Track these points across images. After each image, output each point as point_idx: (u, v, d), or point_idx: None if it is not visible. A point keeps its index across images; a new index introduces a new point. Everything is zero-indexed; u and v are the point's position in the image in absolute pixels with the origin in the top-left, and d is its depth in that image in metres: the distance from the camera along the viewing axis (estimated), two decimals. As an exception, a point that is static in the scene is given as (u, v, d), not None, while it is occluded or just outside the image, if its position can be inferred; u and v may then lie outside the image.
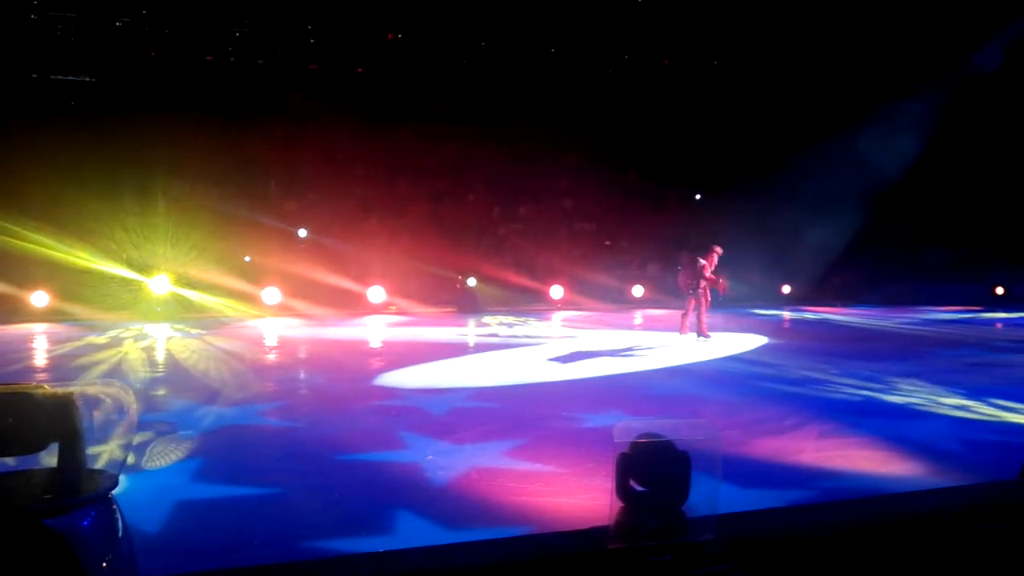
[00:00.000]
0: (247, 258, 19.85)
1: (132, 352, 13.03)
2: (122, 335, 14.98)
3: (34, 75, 21.05)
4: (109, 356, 12.48)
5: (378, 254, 20.18)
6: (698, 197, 26.36)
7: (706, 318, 14.16)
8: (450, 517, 5.47)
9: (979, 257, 24.15)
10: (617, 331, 16.79)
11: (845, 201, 21.53)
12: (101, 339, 14.34)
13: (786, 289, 23.01)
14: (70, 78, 21.32)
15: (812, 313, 20.55)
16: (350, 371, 11.59)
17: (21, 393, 2.74)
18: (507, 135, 23.82)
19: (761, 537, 3.80)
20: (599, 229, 24.65)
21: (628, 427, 3.56)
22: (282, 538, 5.10)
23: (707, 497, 3.55)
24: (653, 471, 3.48)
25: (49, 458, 2.75)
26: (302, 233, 21.13)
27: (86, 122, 19.91)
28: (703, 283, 13.83)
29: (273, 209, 21.73)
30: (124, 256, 18.59)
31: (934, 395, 9.80)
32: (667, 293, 21.73)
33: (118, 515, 2.93)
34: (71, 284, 17.36)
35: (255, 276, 19.05)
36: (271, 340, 15.27)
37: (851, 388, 10.39)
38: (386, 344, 15.13)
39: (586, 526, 3.60)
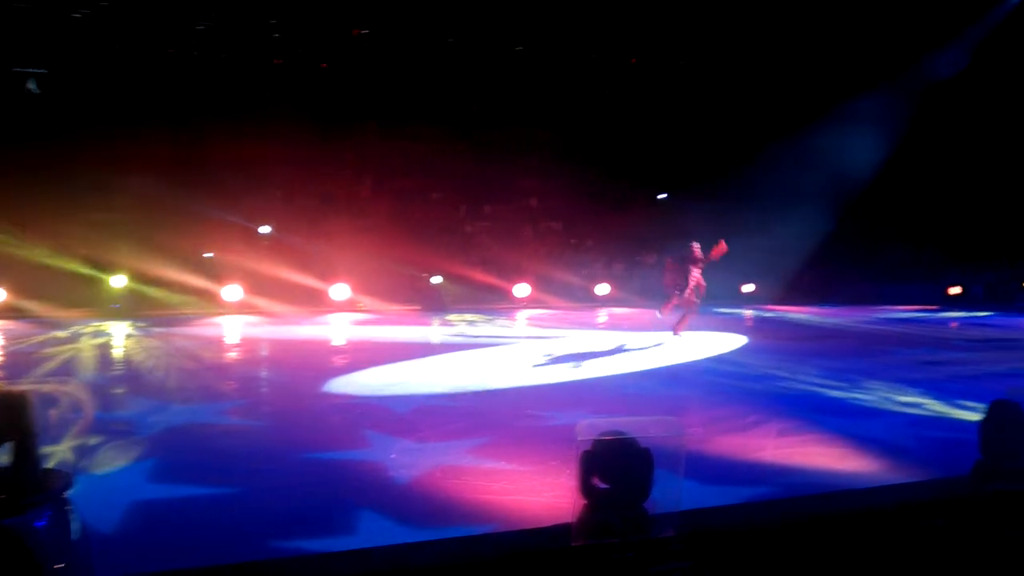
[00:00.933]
0: (208, 254, 19.59)
1: (89, 350, 12.78)
2: (79, 332, 14.68)
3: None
4: (65, 353, 12.23)
5: (342, 251, 20.03)
6: (663, 196, 26.55)
7: (688, 320, 14.25)
8: (414, 516, 5.45)
9: (934, 257, 24.65)
10: (585, 330, 16.86)
11: (807, 201, 21.82)
12: (58, 336, 14.05)
13: (748, 288, 23.27)
14: (28, 71, 20.83)
15: (772, 312, 20.82)
16: (312, 369, 11.49)
17: (-27, 391, 2.68)
18: (473, 132, 23.77)
19: (721, 533, 3.85)
20: (565, 228, 24.73)
21: (591, 425, 3.59)
22: (243, 538, 5.05)
23: (669, 494, 3.59)
24: (616, 468, 3.51)
25: (2, 457, 2.69)
26: (264, 230, 20.87)
27: (43, 116, 19.49)
28: (690, 284, 13.79)
29: (235, 205, 21.45)
30: (82, 252, 18.24)
31: (890, 393, 9.99)
32: (632, 292, 21.90)
33: (73, 515, 2.88)
34: (28, 280, 16.99)
35: (216, 273, 18.81)
36: (232, 338, 15.09)
37: (810, 385, 10.55)
38: (349, 342, 15.03)
39: (550, 524, 3.62)
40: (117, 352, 12.91)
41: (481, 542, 3.88)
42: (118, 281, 17.75)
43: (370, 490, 5.95)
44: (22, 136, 18.17)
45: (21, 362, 11.44)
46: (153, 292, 17.93)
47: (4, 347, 13.35)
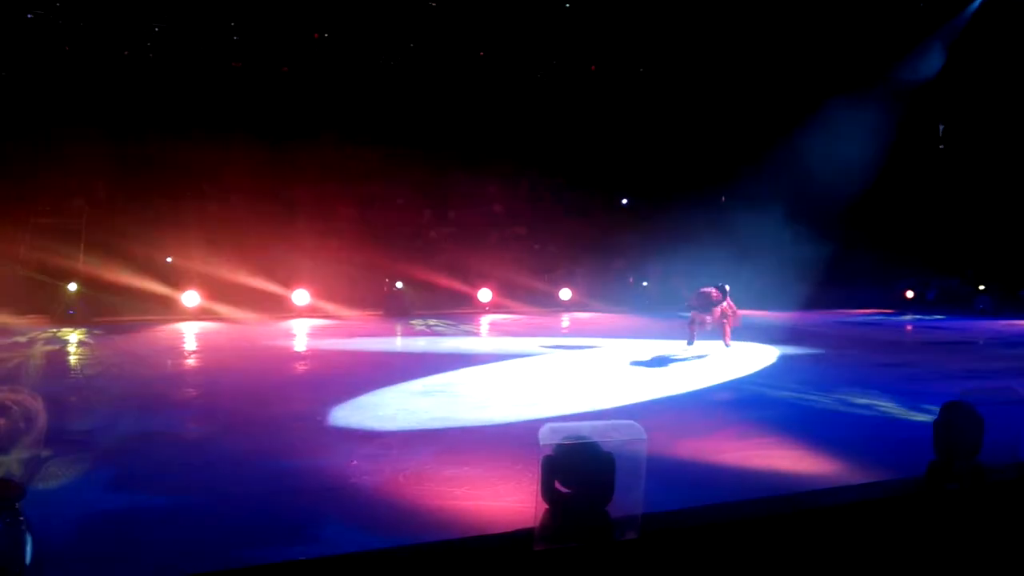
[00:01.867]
0: (168, 259, 19.28)
1: (42, 357, 12.50)
2: (32, 339, 14.36)
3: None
4: (18, 361, 11.94)
5: (304, 257, 19.84)
6: (624, 202, 26.76)
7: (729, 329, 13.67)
8: (376, 523, 5.41)
9: (889, 261, 25.12)
10: (538, 337, 16.89)
11: (768, 208, 22.12)
12: (10, 343, 13.71)
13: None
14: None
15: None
16: (271, 377, 11.37)
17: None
18: (436, 138, 23.74)
19: (683, 535, 3.88)
20: (528, 233, 24.78)
21: (554, 429, 3.59)
22: (201, 548, 4.97)
23: (631, 497, 3.61)
24: (578, 473, 3.52)
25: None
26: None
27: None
28: (713, 315, 13.32)
29: (195, 211, 21.16)
30: (36, 258, 17.86)
31: (848, 396, 10.16)
32: (593, 297, 22.03)
33: (24, 527, 2.81)
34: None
35: (176, 279, 18.51)
36: (190, 344, 14.86)
37: (769, 389, 10.69)
38: (310, 349, 14.89)
39: (512, 529, 3.61)
40: (71, 359, 12.65)
41: (443, 548, 3.86)
42: (74, 287, 17.40)
43: (331, 497, 5.89)
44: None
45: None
46: (111, 298, 17.57)
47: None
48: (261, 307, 18.54)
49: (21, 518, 2.79)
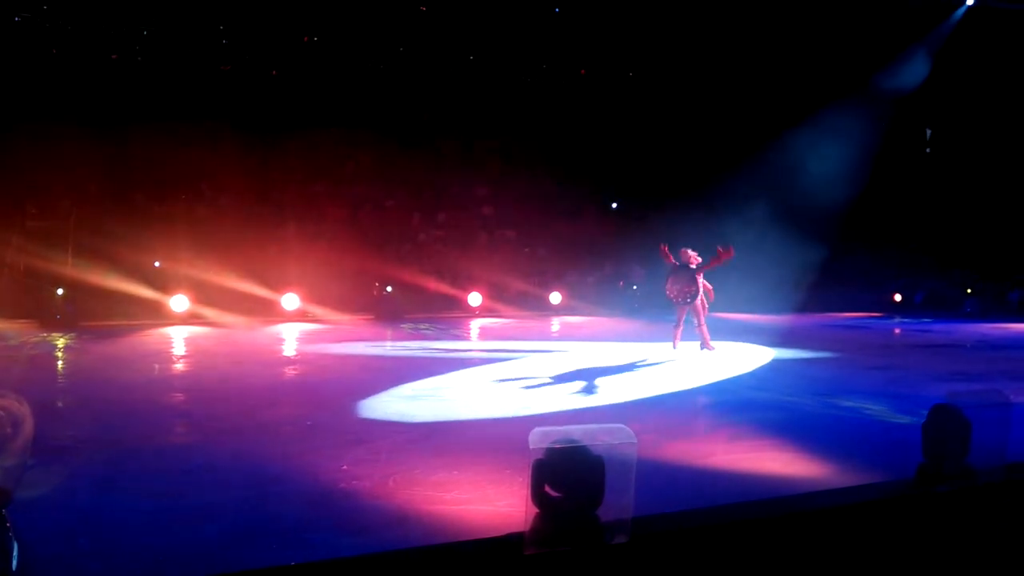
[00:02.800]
0: (156, 263, 19.19)
1: (29, 362, 12.42)
2: (19, 343, 14.26)
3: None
4: (4, 366, 11.86)
5: (293, 261, 19.79)
6: (614, 205, 26.80)
7: (706, 328, 13.57)
8: (366, 527, 5.39)
9: (877, 265, 25.25)
10: (548, 341, 16.89)
11: (757, 211, 22.21)
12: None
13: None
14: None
15: (720, 319, 21.13)
16: (260, 381, 11.32)
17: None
18: (426, 141, 23.74)
19: (674, 539, 3.88)
20: (518, 237, 24.80)
21: (543, 433, 3.58)
22: (188, 553, 4.95)
23: (621, 501, 3.60)
24: (568, 477, 3.51)
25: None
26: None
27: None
28: (699, 292, 13.14)
29: (184, 215, 21.09)
30: (23, 262, 17.75)
31: (836, 398, 10.20)
32: (583, 300, 22.05)
33: (10, 533, 2.79)
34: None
35: (164, 283, 18.43)
36: (178, 349, 14.79)
37: (758, 392, 10.72)
38: (299, 353, 14.84)
39: (502, 533, 3.60)
40: (58, 364, 12.56)
41: (433, 552, 3.85)
42: (62, 291, 17.29)
43: (320, 502, 5.87)
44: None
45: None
46: (97, 302, 17.46)
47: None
48: (250, 311, 18.47)
49: (7, 524, 2.77)
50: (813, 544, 3.95)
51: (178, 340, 15.63)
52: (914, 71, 24.05)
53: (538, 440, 3.51)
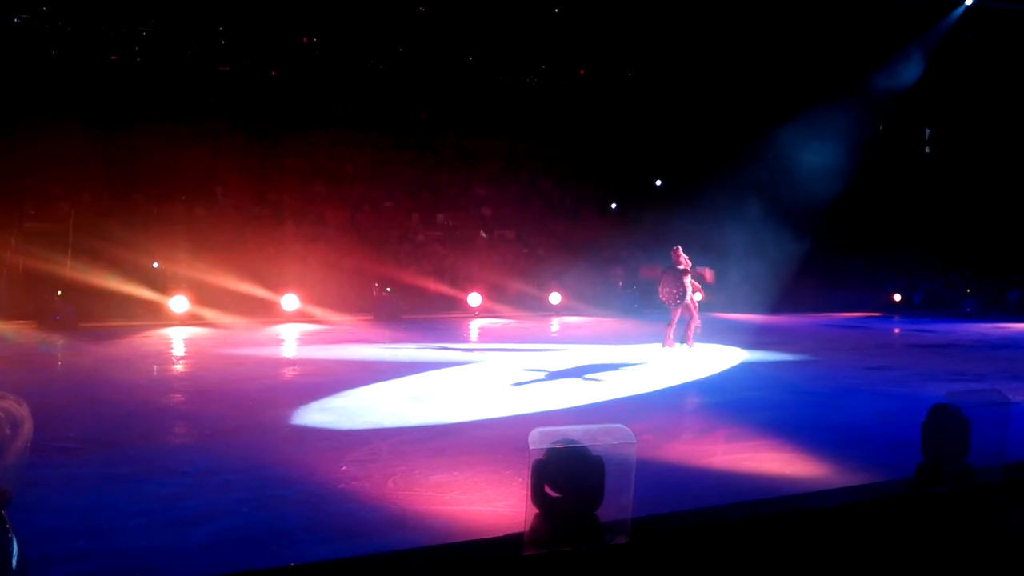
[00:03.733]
0: (155, 264, 19.17)
1: (27, 363, 12.41)
2: (18, 344, 14.25)
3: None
4: (2, 367, 11.85)
5: (293, 261, 19.77)
6: (614, 206, 26.81)
7: (694, 328, 13.82)
8: (366, 528, 5.39)
9: (876, 264, 25.27)
10: (544, 343, 16.88)
11: (755, 210, 22.23)
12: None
13: (697, 297, 23.59)
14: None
15: (720, 319, 21.15)
16: (260, 381, 11.31)
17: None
18: (425, 142, 23.76)
19: (673, 539, 3.88)
20: (517, 237, 24.80)
21: (543, 433, 3.59)
22: (186, 554, 4.95)
23: (621, 501, 3.61)
24: (568, 477, 3.52)
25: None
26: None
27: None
28: (688, 291, 13.45)
29: (183, 216, 21.08)
30: (23, 264, 17.73)
31: (836, 399, 10.20)
32: (582, 300, 22.04)
33: (10, 535, 2.79)
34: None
35: (163, 284, 18.41)
36: (177, 350, 14.78)
37: (757, 392, 10.72)
38: (298, 354, 14.83)
39: (502, 534, 3.61)
40: (57, 365, 12.55)
41: (433, 553, 3.85)
42: (61, 292, 17.28)
43: (320, 503, 5.87)
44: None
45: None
46: (96, 303, 17.43)
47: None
48: (249, 312, 18.45)
49: (6, 525, 2.77)
50: (812, 544, 3.95)
51: (177, 341, 15.62)
52: (910, 70, 24.08)
53: (538, 441, 3.52)
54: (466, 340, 17.11)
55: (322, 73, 22.95)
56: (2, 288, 17.05)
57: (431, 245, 23.47)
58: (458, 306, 21.23)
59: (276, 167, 22.64)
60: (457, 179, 24.61)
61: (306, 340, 16.31)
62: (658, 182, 26.28)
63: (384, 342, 16.19)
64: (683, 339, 13.90)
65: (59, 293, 17.28)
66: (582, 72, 25.49)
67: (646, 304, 21.53)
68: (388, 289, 20.33)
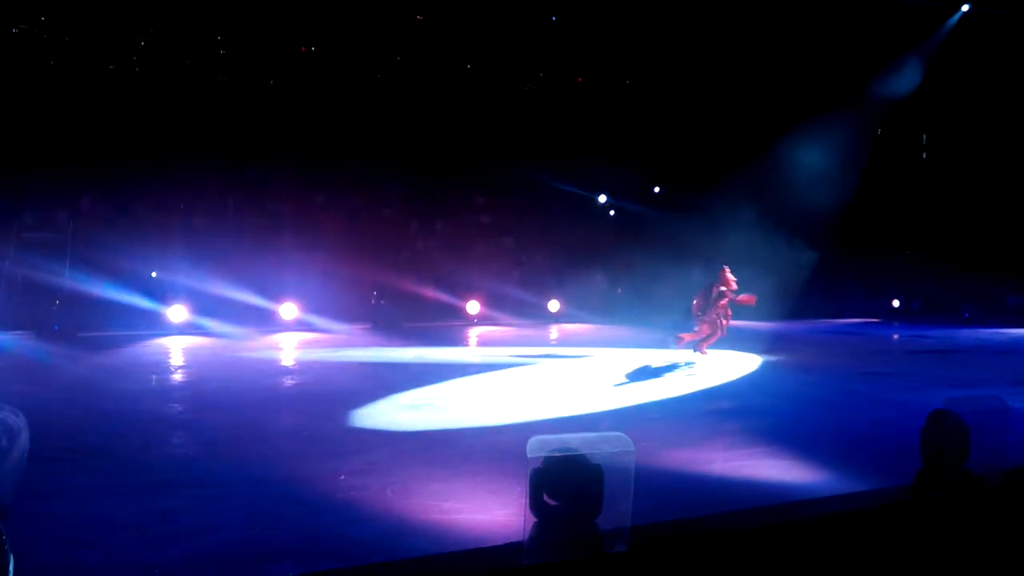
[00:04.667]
0: (153, 274, 19.16)
1: (25, 372, 12.39)
2: (16, 354, 14.23)
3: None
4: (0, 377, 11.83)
5: (291, 270, 19.75)
6: (612, 213, 26.83)
7: (712, 341, 13.86)
8: (363, 537, 5.37)
9: (876, 271, 25.29)
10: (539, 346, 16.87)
11: (753, 217, 22.23)
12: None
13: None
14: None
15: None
16: (257, 391, 11.29)
17: None
18: (423, 150, 23.75)
19: (673, 547, 3.87)
20: (516, 245, 24.79)
21: (541, 441, 3.57)
22: (184, 565, 4.92)
23: (620, 509, 3.59)
24: (566, 485, 3.50)
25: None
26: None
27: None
28: (717, 308, 13.56)
29: (181, 225, 21.07)
30: (21, 273, 17.71)
31: (836, 403, 10.19)
32: (581, 308, 22.04)
33: (6, 547, 2.77)
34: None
35: (161, 293, 18.39)
36: (176, 359, 14.76)
37: (756, 397, 10.71)
38: (297, 362, 14.81)
39: (500, 543, 3.59)
40: (54, 373, 12.52)
41: (431, 563, 3.83)
42: (60, 300, 17.25)
43: (318, 512, 5.85)
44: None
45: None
46: (95, 312, 17.40)
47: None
48: (248, 321, 18.43)
49: (3, 537, 2.75)
50: (812, 551, 3.94)
51: (176, 350, 15.61)
52: (908, 77, 24.14)
53: (536, 449, 3.51)
54: (464, 347, 17.08)
55: (321, 83, 22.98)
56: (0, 297, 17.02)
57: (430, 253, 23.46)
58: (457, 314, 21.22)
59: (275, 177, 22.64)
60: (455, 188, 24.62)
61: (304, 349, 16.29)
62: (656, 189, 26.27)
63: (382, 350, 16.14)
64: (695, 347, 13.88)
65: (56, 302, 17.26)
66: (580, 80, 25.54)
67: (644, 312, 21.57)
68: (382, 301, 20.33)
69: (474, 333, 19.51)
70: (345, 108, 23.10)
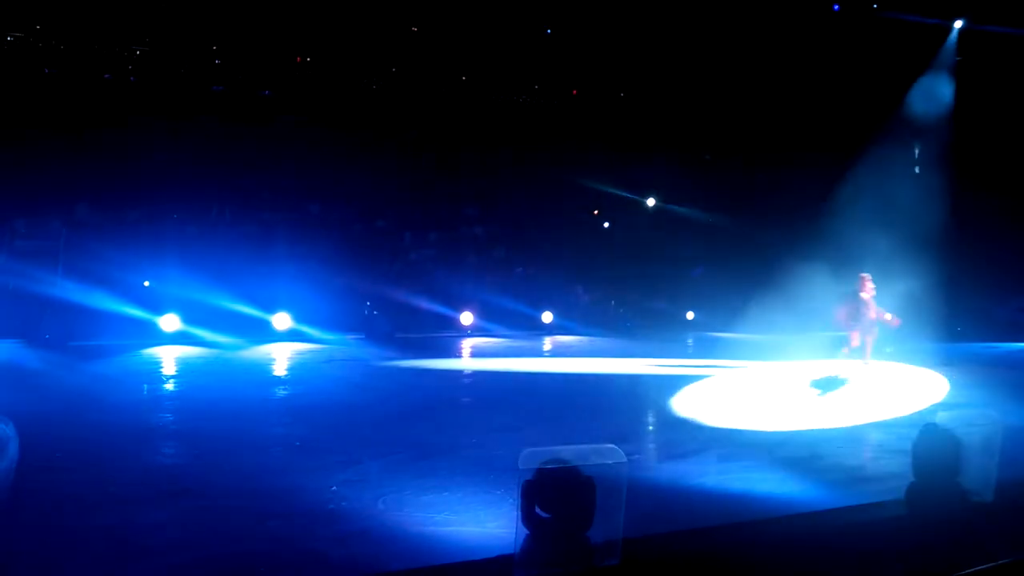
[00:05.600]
0: (146, 283, 19.08)
1: (15, 381, 12.31)
2: (4, 361, 14.14)
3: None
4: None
5: (285, 280, 19.69)
6: (607, 225, 26.87)
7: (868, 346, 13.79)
8: (354, 549, 5.34)
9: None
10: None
11: (749, 229, 22.28)
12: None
13: (690, 315, 23.63)
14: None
15: (717, 335, 21.21)
16: (250, 401, 11.24)
17: None
18: (416, 160, 23.78)
19: (664, 561, 3.86)
20: (509, 256, 24.79)
21: (533, 453, 3.56)
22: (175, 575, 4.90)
23: (612, 522, 3.58)
24: (558, 498, 3.49)
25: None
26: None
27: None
28: (864, 316, 13.45)
29: (174, 234, 21.01)
30: (12, 281, 17.62)
31: (829, 418, 10.19)
32: (575, 320, 22.03)
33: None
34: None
35: (154, 303, 18.30)
36: (168, 369, 14.70)
37: (747, 410, 10.71)
38: (289, 373, 14.76)
39: (492, 555, 3.58)
40: (43, 383, 12.46)
41: (423, 574, 3.82)
42: (48, 309, 17.15)
43: (309, 523, 5.82)
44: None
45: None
46: (86, 322, 17.31)
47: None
48: (241, 331, 18.35)
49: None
50: (803, 565, 3.93)
51: (168, 360, 15.53)
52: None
53: (527, 461, 3.50)
54: (457, 358, 17.04)
55: (316, 93, 23.02)
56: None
57: (423, 264, 23.44)
58: (450, 324, 21.17)
59: (268, 187, 22.63)
60: (449, 198, 24.65)
61: (297, 359, 16.23)
62: (651, 202, 26.34)
63: (375, 361, 16.08)
64: (861, 355, 13.83)
65: (50, 311, 17.16)
66: (574, 92, 25.64)
67: (637, 324, 21.59)
68: (375, 312, 20.29)
69: (467, 344, 19.47)
70: (340, 118, 23.12)
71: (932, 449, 4.38)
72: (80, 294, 17.40)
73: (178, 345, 17.32)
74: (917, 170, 26.57)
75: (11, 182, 18.62)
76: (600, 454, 3.75)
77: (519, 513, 3.45)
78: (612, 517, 3.54)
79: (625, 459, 3.75)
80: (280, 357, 16.45)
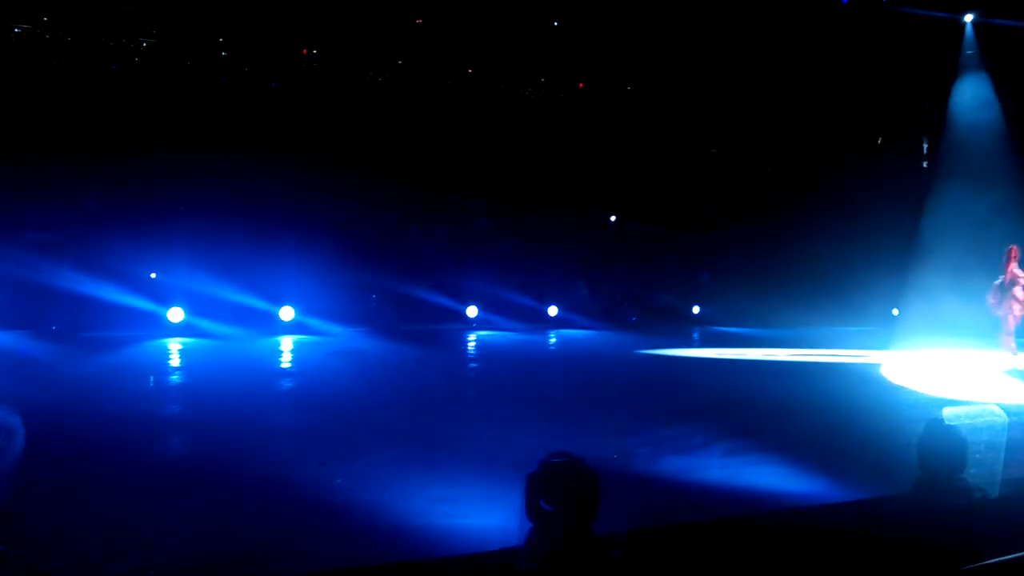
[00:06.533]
0: (153, 275, 19.14)
1: (22, 373, 12.37)
2: (12, 352, 14.21)
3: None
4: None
5: (290, 273, 19.74)
6: (613, 219, 26.82)
7: (1010, 334, 13.12)
8: (359, 542, 5.36)
9: (879, 279, 25.10)
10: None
11: (753, 225, 22.24)
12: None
13: (696, 309, 23.60)
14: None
15: (721, 328, 21.22)
16: (255, 393, 11.27)
17: None
18: (424, 153, 23.73)
19: (670, 553, 3.86)
20: (515, 250, 24.76)
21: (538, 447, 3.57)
22: (181, 567, 4.91)
23: (616, 515, 3.59)
24: (563, 490, 3.50)
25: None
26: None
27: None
28: (1011, 297, 12.81)
29: (181, 226, 21.04)
30: (20, 273, 17.68)
31: (836, 411, 10.16)
32: (582, 314, 22.05)
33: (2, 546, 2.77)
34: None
35: (160, 294, 18.38)
36: (174, 361, 14.75)
37: (756, 404, 10.69)
38: (295, 365, 14.80)
39: (497, 548, 3.59)
40: (51, 375, 12.51)
41: (428, 567, 3.83)
42: (56, 300, 17.23)
43: (315, 516, 5.84)
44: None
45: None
46: (94, 313, 17.38)
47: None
48: (247, 323, 18.43)
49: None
50: (809, 559, 3.93)
51: (174, 352, 15.60)
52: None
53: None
54: (463, 351, 17.04)
55: (322, 85, 22.99)
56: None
57: (429, 257, 23.43)
58: (455, 317, 21.21)
59: (275, 179, 22.62)
60: (455, 191, 24.62)
61: (302, 351, 16.29)
62: (657, 197, 26.26)
63: (382, 353, 16.10)
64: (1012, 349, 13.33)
65: (62, 303, 17.23)
66: (581, 85, 25.56)
67: (642, 318, 21.62)
68: (374, 296, 20.35)
69: (473, 337, 19.49)
70: (347, 110, 23.11)
71: (937, 444, 4.38)
72: (88, 286, 17.49)
73: (185, 337, 17.40)
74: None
75: (19, 175, 18.66)
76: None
77: (524, 506, 3.46)
78: (617, 510, 3.54)
79: (631, 452, 3.75)
80: (286, 349, 16.51)
